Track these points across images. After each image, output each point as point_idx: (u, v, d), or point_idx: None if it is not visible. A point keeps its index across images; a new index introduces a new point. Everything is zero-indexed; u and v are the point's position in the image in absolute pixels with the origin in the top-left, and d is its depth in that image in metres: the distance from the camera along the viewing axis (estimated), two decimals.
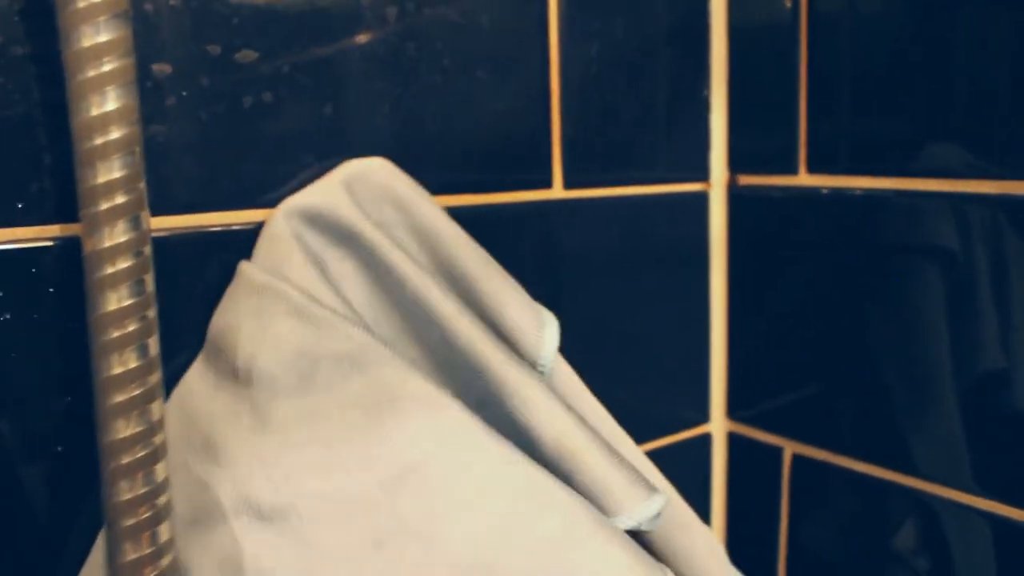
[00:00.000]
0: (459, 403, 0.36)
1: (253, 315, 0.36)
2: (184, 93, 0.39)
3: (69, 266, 0.37)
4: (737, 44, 0.58)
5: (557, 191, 0.52)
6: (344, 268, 0.41)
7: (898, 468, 0.52)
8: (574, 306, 0.54)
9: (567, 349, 0.53)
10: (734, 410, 0.62)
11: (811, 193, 0.54)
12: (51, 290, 0.36)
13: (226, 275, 0.40)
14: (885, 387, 0.51)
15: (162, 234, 0.39)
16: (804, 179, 0.55)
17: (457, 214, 0.47)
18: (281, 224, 0.39)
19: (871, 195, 0.51)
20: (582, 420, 0.39)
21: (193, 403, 0.37)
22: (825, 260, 0.54)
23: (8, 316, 0.36)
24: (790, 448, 0.58)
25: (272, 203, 0.41)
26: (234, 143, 0.41)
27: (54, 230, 0.36)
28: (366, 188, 0.42)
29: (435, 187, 0.46)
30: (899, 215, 0.49)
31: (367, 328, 0.37)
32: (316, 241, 0.40)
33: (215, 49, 0.40)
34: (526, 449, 0.37)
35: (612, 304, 0.56)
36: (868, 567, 0.54)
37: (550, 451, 0.38)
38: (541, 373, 0.42)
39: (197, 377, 0.38)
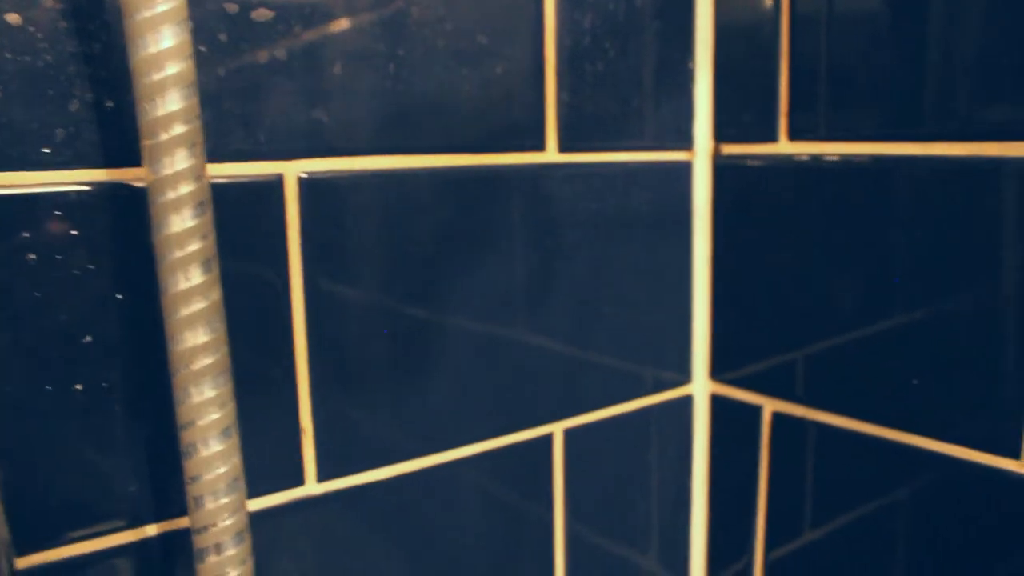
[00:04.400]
0: None
1: None
2: (202, 48, 0.44)
3: (117, 209, 0.42)
4: (722, 17, 0.64)
5: (551, 154, 0.58)
6: None
7: (877, 421, 0.58)
8: (563, 267, 0.59)
9: (556, 308, 0.59)
10: (717, 371, 0.68)
11: (791, 159, 0.61)
12: (97, 233, 0.41)
13: (230, 229, 0.46)
14: (862, 343, 0.58)
15: None
16: (784, 147, 0.61)
17: (455, 173, 0.53)
18: None
19: (848, 160, 0.57)
20: None
21: None
22: (805, 225, 0.60)
23: (46, 256, 0.40)
24: (770, 406, 0.64)
25: (283, 156, 0.47)
26: (249, 98, 0.46)
27: (101, 174, 0.41)
28: None
29: (434, 146, 0.52)
30: (874, 179, 0.56)
31: None
32: None
33: (232, 7, 0.45)
34: None
35: (600, 266, 0.61)
36: (849, 525, 0.60)
37: None
38: None
39: None
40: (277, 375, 0.48)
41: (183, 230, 0.36)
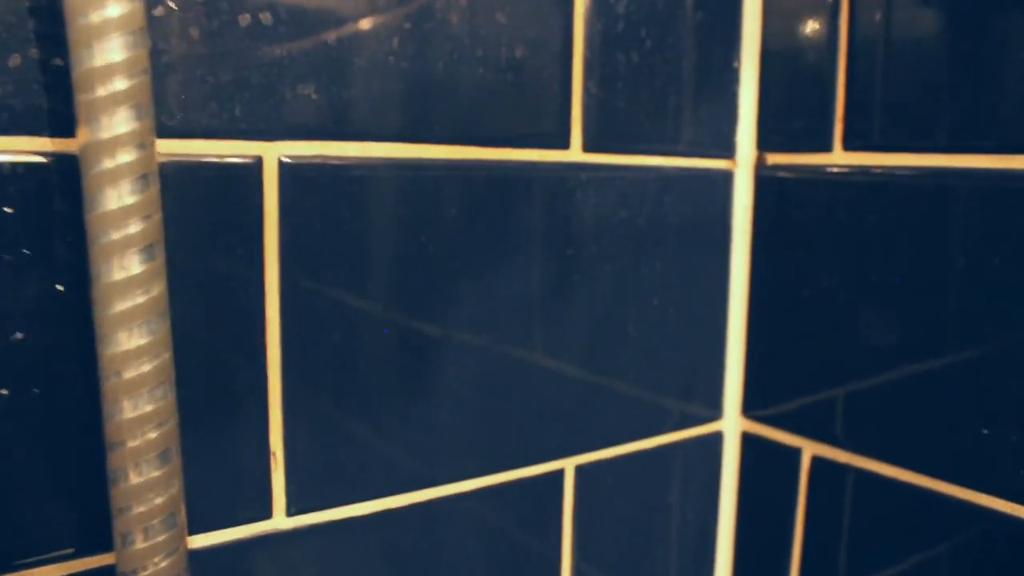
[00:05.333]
0: None
1: None
2: (171, 4, 0.38)
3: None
4: (771, 12, 0.58)
5: (575, 153, 0.52)
6: None
7: (931, 473, 0.51)
8: (584, 281, 0.53)
9: (572, 327, 0.52)
10: (750, 407, 0.61)
11: (846, 172, 0.54)
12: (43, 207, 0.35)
13: (196, 217, 0.39)
14: (921, 386, 0.51)
15: None
16: (839, 157, 0.54)
17: (464, 167, 0.46)
18: None
19: (917, 174, 0.50)
20: None
21: None
22: (858, 245, 0.54)
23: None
24: (810, 449, 0.57)
25: (263, 135, 0.41)
26: (226, 64, 0.40)
27: (44, 143, 0.35)
28: None
29: (444, 136, 0.46)
30: (949, 196, 0.49)
31: None
32: None
33: None
34: None
35: (625, 283, 0.55)
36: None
37: None
38: None
39: None
40: (243, 388, 0.42)
41: (121, 208, 0.30)
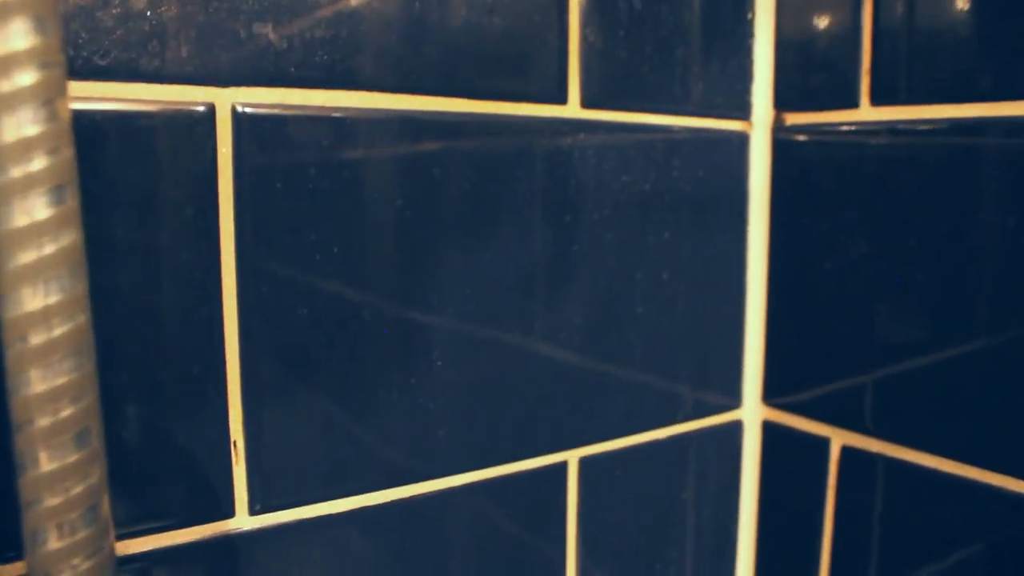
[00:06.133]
0: None
1: None
2: None
3: None
4: None
5: (573, 109, 0.47)
6: None
7: (974, 463, 0.46)
8: (585, 257, 0.48)
9: (573, 306, 0.48)
10: (771, 394, 0.56)
11: (875, 130, 0.49)
12: None
13: (139, 171, 0.35)
14: (962, 368, 0.46)
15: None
16: (867, 113, 0.50)
17: (446, 122, 0.42)
18: None
19: (954, 127, 0.45)
20: None
21: None
22: (889, 211, 0.49)
23: None
24: (839, 439, 0.52)
25: (215, 81, 0.36)
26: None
27: None
28: None
29: (426, 86, 0.41)
30: (991, 150, 0.44)
31: None
32: None
33: None
34: None
35: (630, 257, 0.50)
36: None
37: None
38: None
39: None
40: (196, 366, 0.37)
41: (20, 140, 0.25)
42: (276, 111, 0.38)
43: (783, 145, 0.54)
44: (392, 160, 0.41)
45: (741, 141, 0.54)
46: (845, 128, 0.50)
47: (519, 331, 0.46)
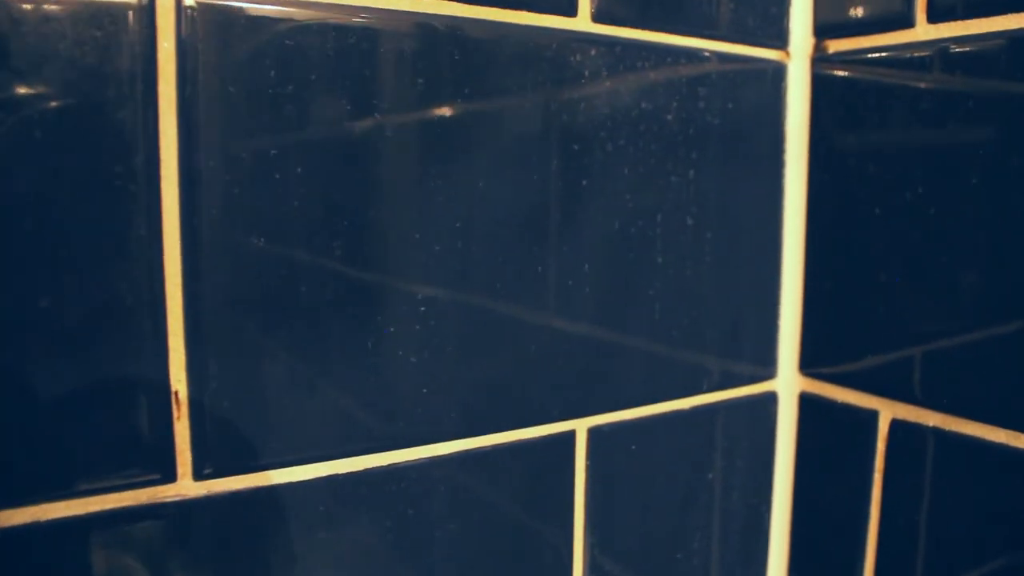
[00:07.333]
0: None
1: None
2: None
3: None
4: None
5: (583, 22, 0.41)
6: None
7: None
8: (597, 193, 0.42)
9: (580, 256, 0.42)
10: (809, 363, 0.50)
11: (932, 53, 0.43)
12: None
13: (66, 58, 0.29)
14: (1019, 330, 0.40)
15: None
16: (922, 32, 0.43)
17: (436, 27, 0.36)
18: None
19: None
20: None
21: None
22: (949, 148, 0.42)
23: None
24: (888, 411, 0.46)
25: None
26: None
27: None
28: None
29: None
30: None
31: None
32: None
33: None
34: None
35: (649, 198, 0.44)
36: (989, 561, 0.42)
37: None
38: None
39: None
40: (128, 296, 0.31)
41: None
42: (230, 1, 0.32)
43: (824, 78, 0.48)
44: (373, 65, 0.35)
45: (777, 73, 0.48)
46: (899, 52, 0.44)
47: (518, 277, 0.40)
